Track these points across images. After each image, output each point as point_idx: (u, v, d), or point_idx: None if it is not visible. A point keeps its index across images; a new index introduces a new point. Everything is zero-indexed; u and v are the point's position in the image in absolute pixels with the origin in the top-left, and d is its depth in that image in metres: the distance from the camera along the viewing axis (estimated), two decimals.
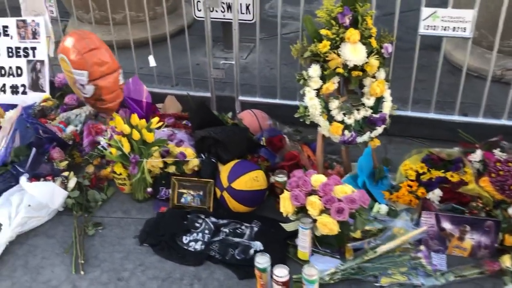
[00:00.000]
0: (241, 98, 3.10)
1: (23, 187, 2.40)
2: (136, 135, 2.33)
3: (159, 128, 2.52)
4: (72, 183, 2.54)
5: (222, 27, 4.01)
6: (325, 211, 2.01)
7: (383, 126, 2.60)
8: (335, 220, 1.96)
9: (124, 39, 4.05)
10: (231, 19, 3.58)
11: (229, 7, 3.67)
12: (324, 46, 2.44)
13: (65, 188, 2.50)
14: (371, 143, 2.60)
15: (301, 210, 2.08)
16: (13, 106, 3.19)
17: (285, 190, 2.12)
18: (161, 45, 4.05)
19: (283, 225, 2.15)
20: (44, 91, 3.19)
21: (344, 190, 2.02)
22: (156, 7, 4.24)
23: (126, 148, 2.33)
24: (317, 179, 2.06)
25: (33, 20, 3.13)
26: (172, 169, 2.56)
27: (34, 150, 2.48)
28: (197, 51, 4.08)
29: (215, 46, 4.26)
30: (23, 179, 2.42)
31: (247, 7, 3.71)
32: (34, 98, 3.20)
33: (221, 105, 3.30)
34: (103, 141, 2.40)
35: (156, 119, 2.45)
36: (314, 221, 2.05)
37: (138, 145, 2.36)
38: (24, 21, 3.15)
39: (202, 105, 2.62)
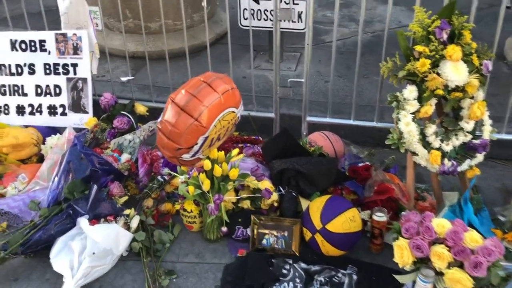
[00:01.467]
0: (309, 118, 2.80)
1: (84, 231, 2.09)
2: (218, 171, 2.02)
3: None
4: (135, 222, 2.23)
5: (269, 36, 3.70)
6: (453, 263, 1.73)
7: (484, 152, 2.32)
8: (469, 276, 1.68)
9: (159, 49, 3.76)
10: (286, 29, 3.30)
11: None
12: (423, 65, 2.16)
13: (128, 228, 2.20)
14: (470, 173, 2.32)
15: (421, 261, 1.80)
16: (52, 129, 2.89)
17: (400, 238, 1.83)
18: (199, 55, 3.76)
19: (397, 277, 1.86)
20: (86, 112, 2.87)
21: (474, 238, 1.74)
22: (194, 14, 3.93)
23: (206, 186, 2.02)
24: (441, 224, 1.78)
25: (74, 34, 2.81)
26: (246, 204, 2.27)
27: (95, 187, 2.17)
28: (240, 62, 3.78)
29: (258, 56, 3.96)
30: (84, 221, 2.11)
31: (299, 15, 3.41)
32: (75, 119, 2.89)
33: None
34: (182, 178, 2.09)
35: (236, 150, 2.15)
36: (438, 273, 1.77)
37: (218, 182, 2.06)
38: (64, 34, 2.83)
39: (285, 132, 2.32)
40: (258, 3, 3.43)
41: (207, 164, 2.02)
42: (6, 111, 2.99)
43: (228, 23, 3.00)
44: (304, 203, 2.26)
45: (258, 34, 3.58)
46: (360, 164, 2.44)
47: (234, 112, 1.92)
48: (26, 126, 2.93)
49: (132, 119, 2.75)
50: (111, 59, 3.67)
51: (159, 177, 2.46)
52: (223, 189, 2.09)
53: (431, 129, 2.24)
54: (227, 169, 2.08)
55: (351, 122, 2.77)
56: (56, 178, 2.29)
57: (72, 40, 2.82)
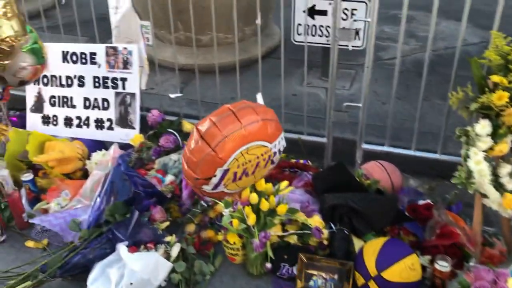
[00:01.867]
0: (365, 146, 2.60)
1: (122, 258, 2.00)
2: (264, 205, 1.88)
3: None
4: (175, 250, 2.12)
5: (322, 52, 3.54)
6: None
7: None
8: None
9: (209, 63, 3.66)
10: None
11: None
12: (500, 98, 1.93)
13: (168, 257, 2.09)
14: None
15: None
16: (98, 143, 2.86)
17: None
18: (249, 70, 3.64)
19: None
20: (133, 128, 2.81)
21: None
22: (245, 27, 3.82)
23: (252, 220, 1.89)
24: None
25: (125, 48, 2.75)
26: (293, 239, 2.11)
27: (136, 213, 2.08)
28: (290, 78, 3.63)
29: (309, 72, 3.79)
30: (123, 248, 2.02)
31: (357, 32, 3.22)
32: (121, 135, 2.84)
33: None
34: (226, 212, 1.96)
35: (285, 183, 1.99)
36: None
37: (265, 216, 1.91)
38: (114, 48, 2.78)
39: (340, 166, 2.15)
40: (314, 18, 3.26)
41: (253, 198, 1.88)
42: (55, 122, 2.98)
43: (282, 38, 2.86)
44: (357, 243, 2.07)
45: (309, 48, 3.42)
46: (421, 202, 2.23)
47: (265, 146, 1.74)
48: (73, 139, 2.91)
49: (179, 138, 2.66)
50: (161, 71, 3.62)
51: (202, 202, 2.34)
52: (269, 224, 1.95)
53: (505, 169, 2.00)
54: (274, 203, 1.93)
55: (411, 153, 2.54)
56: (98, 199, 2.22)
57: (122, 54, 2.77)
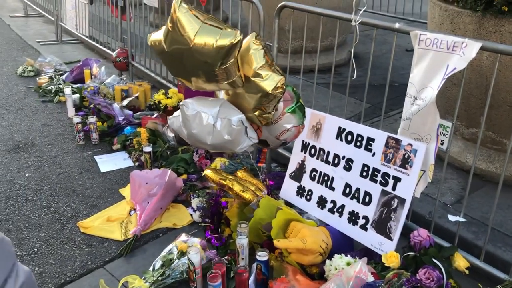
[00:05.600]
0: None
1: None
2: None
3: None
4: None
5: None
6: None
7: None
8: None
9: (508, 174, 2.84)
10: None
11: None
12: None
13: None
14: None
15: None
16: (345, 237, 2.45)
17: None
18: None
19: None
20: (390, 238, 2.29)
21: None
22: None
23: None
24: None
25: (409, 144, 2.27)
26: None
27: None
28: None
29: None
30: None
31: None
32: (373, 240, 2.36)
33: None
34: None
35: None
36: None
37: None
38: (397, 141, 2.33)
39: None
40: None
41: None
42: (308, 197, 2.72)
43: None
44: None
45: None
46: None
47: None
48: (321, 222, 2.59)
49: (445, 278, 2.00)
50: (438, 165, 2.98)
51: None
52: None
53: None
54: None
55: None
56: None
57: (404, 150, 2.29)
